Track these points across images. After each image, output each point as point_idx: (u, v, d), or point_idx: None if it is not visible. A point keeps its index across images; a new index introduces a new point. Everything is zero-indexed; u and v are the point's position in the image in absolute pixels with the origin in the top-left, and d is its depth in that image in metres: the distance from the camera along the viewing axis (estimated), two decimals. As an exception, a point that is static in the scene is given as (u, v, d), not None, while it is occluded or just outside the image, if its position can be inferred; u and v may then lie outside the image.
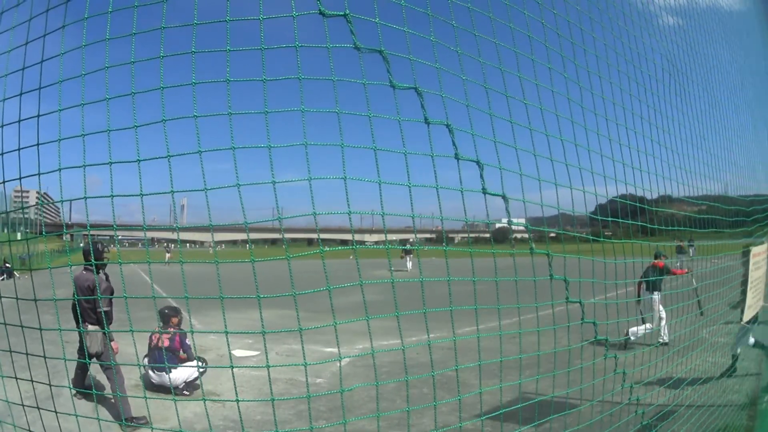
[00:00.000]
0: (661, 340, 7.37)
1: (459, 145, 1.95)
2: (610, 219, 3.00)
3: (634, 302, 8.72)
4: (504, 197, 2.10)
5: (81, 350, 5.56)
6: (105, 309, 5.50)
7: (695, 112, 4.15)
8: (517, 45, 2.26)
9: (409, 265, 30.58)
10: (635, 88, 3.29)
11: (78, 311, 5.44)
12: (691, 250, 9.34)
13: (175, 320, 6.99)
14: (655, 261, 8.47)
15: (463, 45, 2.02)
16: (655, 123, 3.48)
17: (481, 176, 2.01)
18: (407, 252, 31.65)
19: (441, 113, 1.97)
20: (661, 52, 3.67)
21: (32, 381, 2.71)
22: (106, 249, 5.95)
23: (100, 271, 5.74)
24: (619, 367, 2.95)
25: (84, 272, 5.81)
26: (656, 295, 8.74)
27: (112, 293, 5.76)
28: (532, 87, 2.41)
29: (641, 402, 3.25)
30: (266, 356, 2.13)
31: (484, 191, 2.02)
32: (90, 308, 5.63)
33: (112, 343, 5.64)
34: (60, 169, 2.02)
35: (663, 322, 8.33)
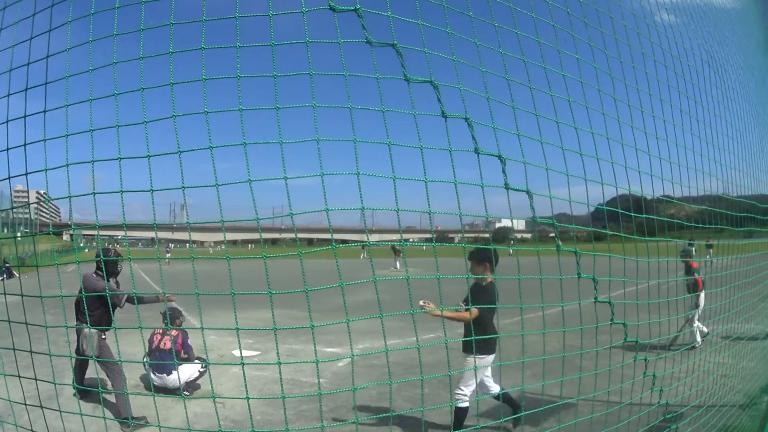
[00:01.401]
0: (695, 343, 6.94)
1: (476, 140, 1.92)
2: (644, 216, 2.90)
3: (691, 298, 7.90)
4: (528, 192, 2.06)
5: (78, 350, 5.54)
6: (114, 304, 5.45)
7: (735, 106, 4.00)
8: (540, 35, 2.19)
9: (398, 264, 31.19)
10: (673, 78, 3.13)
11: (81, 308, 5.41)
12: (693, 249, 9.11)
13: (178, 322, 6.99)
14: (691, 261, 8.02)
15: (481, 36, 1.97)
16: (695, 116, 3.32)
17: (504, 171, 1.97)
18: (397, 252, 32.34)
19: (457, 107, 1.93)
20: (699, 41, 3.52)
21: (36, 379, 2.69)
22: (120, 256, 5.87)
23: (111, 278, 5.72)
24: (648, 369, 2.85)
25: (94, 275, 5.73)
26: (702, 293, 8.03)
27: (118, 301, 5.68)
28: (558, 78, 2.33)
29: (671, 405, 3.15)
30: (276, 354, 2.11)
31: (507, 186, 1.99)
32: (91, 312, 5.59)
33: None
34: (68, 165, 2.01)
35: (696, 323, 7.73)
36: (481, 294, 4.20)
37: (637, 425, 3.10)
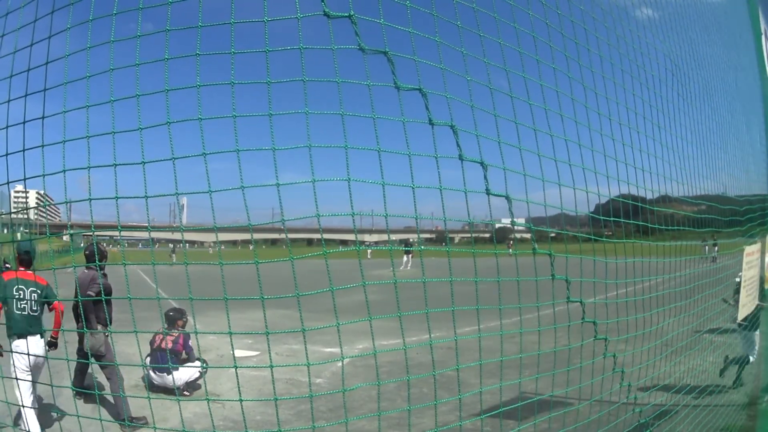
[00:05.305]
0: None
1: (462, 146, 1.96)
2: (612, 219, 3.00)
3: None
4: (507, 197, 2.10)
5: (81, 350, 5.57)
6: (101, 306, 5.51)
7: (695, 112, 4.17)
8: (521, 45, 2.28)
9: (404, 263, 30.97)
10: (638, 87, 3.31)
11: (79, 311, 5.44)
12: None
13: (180, 323, 7.00)
14: None
15: (467, 45, 2.04)
16: (657, 122, 3.49)
17: (485, 177, 2.01)
18: (407, 252, 32.03)
19: (444, 114, 1.98)
20: (664, 51, 3.69)
21: (32, 382, 2.71)
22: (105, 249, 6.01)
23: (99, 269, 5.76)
24: (618, 366, 2.96)
25: (85, 271, 5.81)
26: None
27: (110, 291, 5.74)
28: (537, 87, 2.42)
29: (639, 401, 3.26)
30: (269, 356, 2.13)
31: (488, 192, 2.03)
32: (92, 309, 5.63)
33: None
34: (65, 171, 2.03)
35: None
36: None
37: (608, 421, 3.18)
